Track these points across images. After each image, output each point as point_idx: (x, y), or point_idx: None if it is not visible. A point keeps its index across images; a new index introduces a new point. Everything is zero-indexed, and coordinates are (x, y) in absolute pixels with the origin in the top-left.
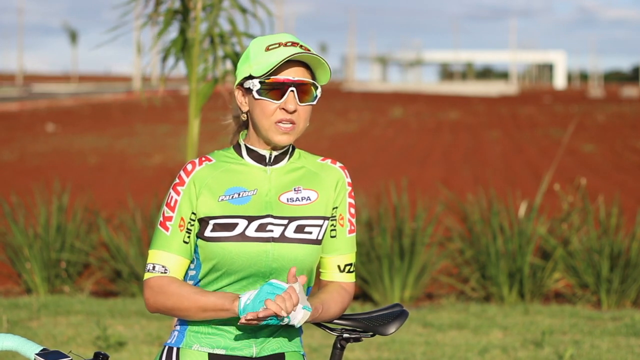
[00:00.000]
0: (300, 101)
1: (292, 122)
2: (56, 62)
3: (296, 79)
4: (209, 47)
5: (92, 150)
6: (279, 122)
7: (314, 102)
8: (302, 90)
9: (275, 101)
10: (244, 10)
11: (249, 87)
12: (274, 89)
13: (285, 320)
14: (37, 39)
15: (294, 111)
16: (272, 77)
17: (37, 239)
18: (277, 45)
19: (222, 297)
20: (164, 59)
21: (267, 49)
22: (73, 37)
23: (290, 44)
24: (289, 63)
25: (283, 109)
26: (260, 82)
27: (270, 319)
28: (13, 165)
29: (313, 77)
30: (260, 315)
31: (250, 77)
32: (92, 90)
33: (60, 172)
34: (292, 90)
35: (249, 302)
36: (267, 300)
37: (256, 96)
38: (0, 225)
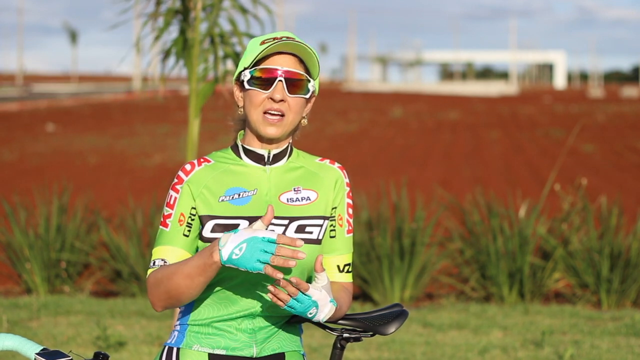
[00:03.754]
0: (290, 92)
1: (281, 114)
2: (56, 62)
3: (284, 68)
4: (209, 47)
5: (92, 150)
6: (267, 112)
7: (306, 96)
8: (293, 82)
9: (263, 91)
10: (244, 10)
11: (242, 80)
12: (264, 79)
13: (312, 312)
14: (37, 39)
15: (281, 100)
16: (261, 67)
17: (37, 239)
18: (272, 40)
19: (200, 257)
20: (164, 59)
21: (262, 43)
22: (73, 37)
23: (285, 38)
24: (280, 54)
25: (271, 98)
26: (250, 73)
27: (296, 304)
28: (13, 165)
29: (307, 72)
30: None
31: (244, 70)
32: (92, 90)
33: (60, 172)
34: (281, 81)
35: (237, 257)
36: (266, 266)
37: (246, 86)
38: (1, 225)
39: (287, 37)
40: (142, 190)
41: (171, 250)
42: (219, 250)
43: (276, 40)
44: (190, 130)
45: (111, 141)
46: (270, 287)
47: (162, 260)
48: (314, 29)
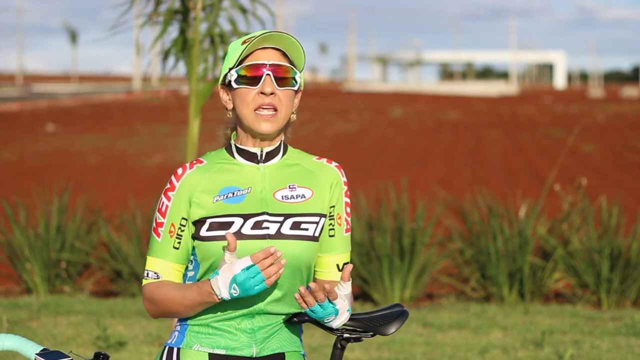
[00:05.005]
0: (279, 85)
1: (274, 108)
2: (56, 62)
3: (270, 62)
4: (209, 47)
5: (92, 150)
6: (259, 108)
7: (294, 88)
8: (280, 75)
9: (252, 87)
10: (244, 10)
11: (229, 80)
12: (251, 75)
13: (330, 319)
14: (37, 39)
15: (272, 94)
16: (247, 64)
17: (37, 239)
18: (253, 38)
19: (199, 294)
20: (164, 59)
21: (243, 43)
22: (73, 37)
23: (266, 33)
24: (264, 49)
25: (262, 93)
26: (237, 72)
27: (319, 309)
28: (13, 165)
29: (292, 64)
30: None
31: (229, 71)
32: (92, 90)
33: (60, 172)
34: (268, 74)
35: (237, 294)
36: (267, 281)
37: (234, 86)
38: (1, 225)
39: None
40: (142, 190)
41: (163, 263)
42: (220, 296)
43: (256, 38)
44: (190, 130)
45: (111, 141)
46: (301, 288)
47: (155, 273)
48: (314, 29)
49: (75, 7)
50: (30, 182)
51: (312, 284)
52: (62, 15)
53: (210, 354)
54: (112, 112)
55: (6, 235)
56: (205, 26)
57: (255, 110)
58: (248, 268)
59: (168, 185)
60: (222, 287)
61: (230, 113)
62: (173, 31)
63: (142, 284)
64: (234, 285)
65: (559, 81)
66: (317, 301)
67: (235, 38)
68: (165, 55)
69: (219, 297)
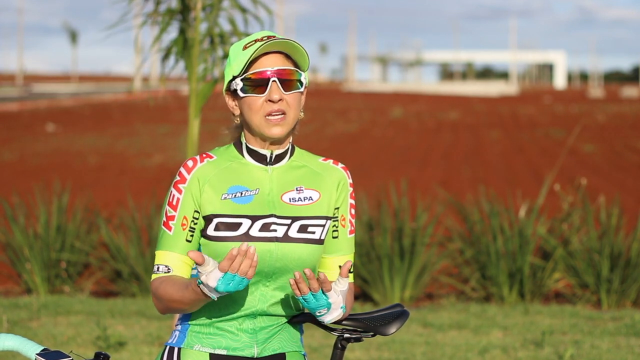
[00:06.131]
0: (285, 90)
1: (282, 112)
2: (56, 62)
3: (275, 68)
4: (209, 47)
5: (92, 150)
6: (269, 115)
7: (301, 90)
8: (286, 79)
9: (259, 95)
10: (244, 10)
11: (235, 89)
12: (257, 83)
13: (322, 312)
14: (37, 38)
15: (280, 100)
16: (252, 72)
17: (37, 239)
18: (253, 42)
19: (195, 293)
20: (164, 59)
21: (245, 48)
22: (73, 37)
23: (266, 38)
24: (267, 55)
25: (270, 100)
26: (242, 80)
27: (312, 299)
28: (13, 165)
29: (296, 66)
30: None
31: (234, 79)
32: (92, 90)
33: (61, 172)
34: (274, 81)
35: (226, 293)
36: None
37: (241, 94)
38: (1, 225)
39: (268, 37)
40: (142, 190)
41: (174, 256)
42: (214, 298)
43: (258, 42)
44: (190, 130)
45: (111, 141)
46: (296, 274)
47: (167, 267)
48: (314, 29)
49: (75, 7)
50: (30, 182)
51: (307, 270)
52: (62, 15)
53: (211, 354)
54: (112, 112)
55: (6, 235)
56: (205, 26)
57: (264, 117)
58: (223, 277)
59: (178, 178)
60: (211, 293)
61: (238, 119)
62: (173, 31)
63: (151, 279)
64: (220, 291)
65: (559, 81)
66: (310, 290)
67: (236, 38)
68: (165, 55)
69: (214, 299)
